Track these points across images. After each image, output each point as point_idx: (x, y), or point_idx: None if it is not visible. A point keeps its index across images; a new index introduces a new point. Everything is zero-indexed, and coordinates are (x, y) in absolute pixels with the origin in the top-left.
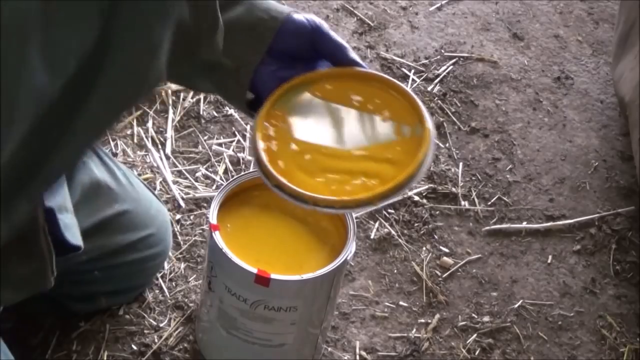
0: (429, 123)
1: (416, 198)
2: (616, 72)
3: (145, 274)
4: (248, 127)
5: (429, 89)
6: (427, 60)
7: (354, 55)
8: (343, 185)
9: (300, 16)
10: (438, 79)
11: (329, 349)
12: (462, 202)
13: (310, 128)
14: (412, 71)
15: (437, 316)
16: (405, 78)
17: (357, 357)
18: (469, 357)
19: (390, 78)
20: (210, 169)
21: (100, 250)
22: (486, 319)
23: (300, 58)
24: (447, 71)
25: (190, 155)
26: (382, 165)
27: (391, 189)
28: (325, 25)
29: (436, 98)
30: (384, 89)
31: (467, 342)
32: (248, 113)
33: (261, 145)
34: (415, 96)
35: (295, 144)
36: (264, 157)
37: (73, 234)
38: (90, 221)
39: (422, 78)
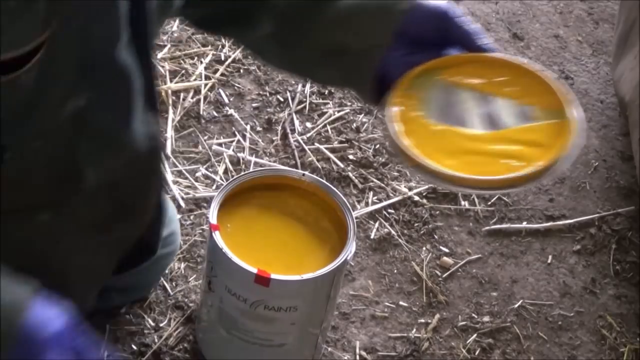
0: (576, 106)
1: (416, 198)
2: (616, 72)
3: (157, 271)
4: (248, 127)
5: None
6: None
7: (486, 40)
8: (486, 167)
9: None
10: None
11: (329, 349)
12: (462, 202)
13: (445, 112)
14: None
15: (437, 316)
16: None
17: (357, 357)
18: (469, 357)
19: (527, 63)
20: (210, 169)
21: None
22: (486, 319)
23: (429, 43)
24: None
25: (190, 155)
26: (527, 147)
27: (541, 170)
28: (456, 10)
29: None
30: (520, 74)
31: (467, 342)
32: (372, 100)
33: (396, 127)
34: (556, 80)
35: (430, 126)
36: (401, 138)
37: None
38: None
39: None
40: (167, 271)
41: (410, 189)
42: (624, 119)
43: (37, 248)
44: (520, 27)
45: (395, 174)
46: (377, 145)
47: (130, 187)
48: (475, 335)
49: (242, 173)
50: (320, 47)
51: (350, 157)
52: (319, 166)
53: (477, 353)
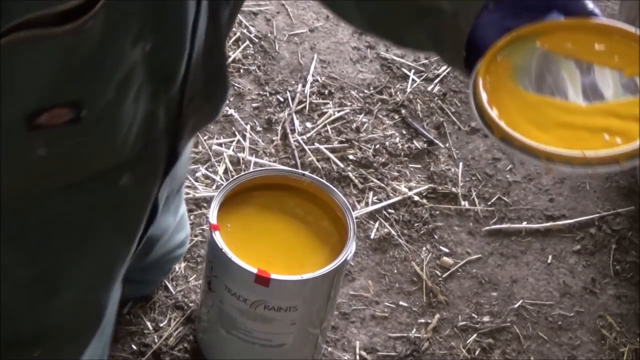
0: None
1: (416, 198)
2: None
3: (165, 269)
4: (248, 127)
5: (429, 89)
6: (427, 60)
7: (592, 5)
8: (581, 142)
9: None
10: (438, 79)
11: (329, 349)
12: (462, 202)
13: (540, 81)
14: (412, 71)
15: (437, 316)
16: (405, 78)
17: (357, 357)
18: (469, 357)
19: (635, 30)
20: (210, 169)
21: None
22: (486, 319)
23: (529, 6)
24: (447, 71)
25: (190, 155)
26: (627, 122)
27: None
28: None
29: (436, 98)
30: (627, 43)
31: (467, 342)
32: (462, 68)
33: (484, 96)
34: None
35: (523, 96)
36: (488, 108)
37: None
38: (179, 215)
39: (422, 78)
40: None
41: (410, 189)
42: None
43: (120, 214)
44: None
45: (395, 174)
46: (377, 145)
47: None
48: (475, 335)
49: (242, 173)
50: (408, 7)
51: (350, 157)
52: (319, 166)
53: (477, 353)
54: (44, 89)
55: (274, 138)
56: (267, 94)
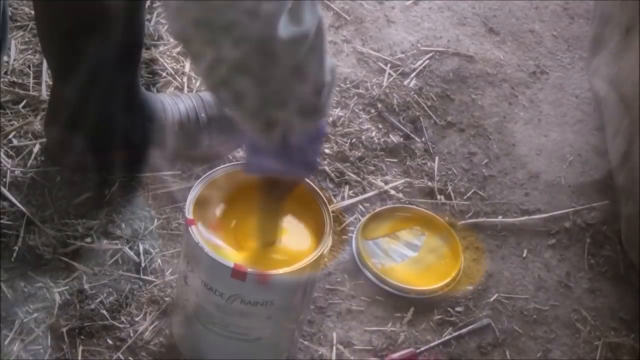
0: None
1: (392, 192)
2: (591, 67)
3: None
4: None
5: (405, 83)
6: (403, 55)
7: None
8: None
9: None
10: (414, 73)
11: (306, 342)
12: (438, 197)
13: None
14: (389, 65)
15: (413, 310)
16: (381, 72)
17: (334, 350)
18: (445, 351)
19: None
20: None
21: None
22: (461, 312)
23: None
24: (423, 65)
25: None
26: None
27: None
28: None
29: (412, 92)
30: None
31: (443, 335)
32: None
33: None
34: None
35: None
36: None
37: None
38: None
39: (398, 72)
40: (143, 265)
41: (386, 182)
42: (598, 114)
43: None
44: (496, 22)
45: (372, 168)
46: (354, 139)
47: None
48: (450, 328)
49: (218, 167)
50: None
51: (327, 151)
52: None
53: (452, 347)
54: None
55: None
56: None
